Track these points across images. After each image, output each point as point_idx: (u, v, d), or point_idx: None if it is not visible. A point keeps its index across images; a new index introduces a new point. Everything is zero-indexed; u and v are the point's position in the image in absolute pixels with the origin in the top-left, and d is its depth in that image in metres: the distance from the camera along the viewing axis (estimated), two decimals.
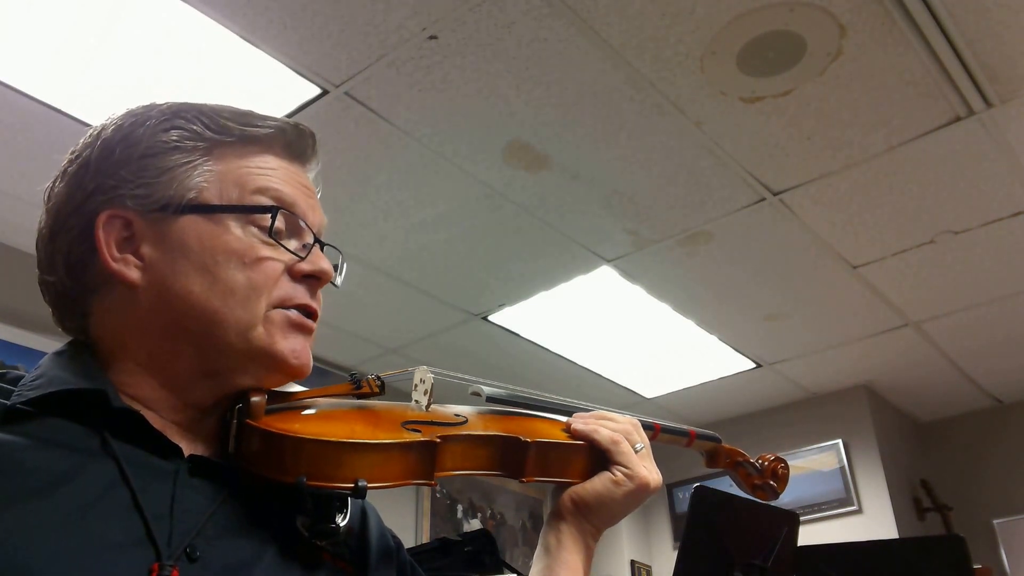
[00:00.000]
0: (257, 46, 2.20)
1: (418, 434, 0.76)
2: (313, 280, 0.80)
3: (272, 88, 2.35)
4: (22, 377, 0.73)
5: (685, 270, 3.39)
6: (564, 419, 0.94)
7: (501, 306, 3.59)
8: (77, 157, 0.78)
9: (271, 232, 0.76)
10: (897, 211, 3.06)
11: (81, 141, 0.80)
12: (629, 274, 3.41)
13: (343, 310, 3.52)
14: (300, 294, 0.78)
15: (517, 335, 3.82)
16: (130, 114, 0.79)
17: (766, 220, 3.08)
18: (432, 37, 2.21)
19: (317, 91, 2.37)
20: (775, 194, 2.94)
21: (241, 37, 2.17)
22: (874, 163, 2.79)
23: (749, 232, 3.15)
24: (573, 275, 3.39)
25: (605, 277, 3.42)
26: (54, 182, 0.79)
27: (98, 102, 2.35)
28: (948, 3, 2.17)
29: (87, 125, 2.53)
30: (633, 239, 3.16)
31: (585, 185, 2.84)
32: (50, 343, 3.09)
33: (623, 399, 4.51)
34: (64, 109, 2.37)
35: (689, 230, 3.12)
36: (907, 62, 2.37)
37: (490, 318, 3.67)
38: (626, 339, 3.96)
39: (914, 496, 4.59)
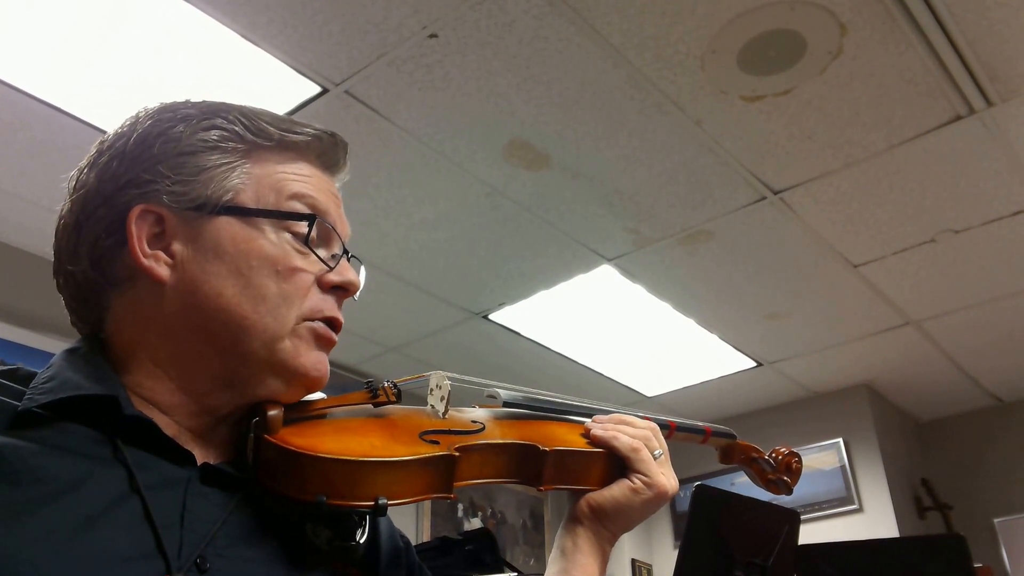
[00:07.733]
0: (257, 45, 2.20)
1: (436, 446, 0.75)
2: (340, 291, 0.80)
3: (272, 87, 2.35)
4: (34, 375, 0.72)
5: (685, 269, 3.39)
6: (583, 421, 0.92)
7: (501, 305, 3.59)
8: (109, 147, 0.76)
9: (307, 240, 0.76)
10: (898, 210, 3.06)
11: (112, 132, 0.78)
12: (629, 273, 3.41)
13: (343, 308, 3.52)
14: (328, 306, 0.78)
15: (518, 334, 3.82)
16: (166, 109, 0.77)
17: (766, 219, 3.08)
18: (432, 35, 2.21)
19: (317, 89, 2.37)
20: (775, 193, 2.94)
21: (241, 36, 2.17)
22: (875, 162, 2.79)
23: (749, 231, 3.14)
24: (573, 274, 3.39)
25: (605, 276, 3.42)
26: (81, 171, 0.77)
27: (99, 101, 2.35)
28: (949, 2, 2.17)
29: (87, 124, 2.53)
30: (633, 238, 3.16)
31: (585, 184, 2.83)
32: (50, 342, 3.08)
33: (624, 398, 4.51)
34: (64, 108, 2.37)
35: (689, 229, 3.12)
36: (908, 61, 2.37)
37: (490, 317, 3.67)
38: (627, 338, 3.96)
39: (915, 495, 4.59)
